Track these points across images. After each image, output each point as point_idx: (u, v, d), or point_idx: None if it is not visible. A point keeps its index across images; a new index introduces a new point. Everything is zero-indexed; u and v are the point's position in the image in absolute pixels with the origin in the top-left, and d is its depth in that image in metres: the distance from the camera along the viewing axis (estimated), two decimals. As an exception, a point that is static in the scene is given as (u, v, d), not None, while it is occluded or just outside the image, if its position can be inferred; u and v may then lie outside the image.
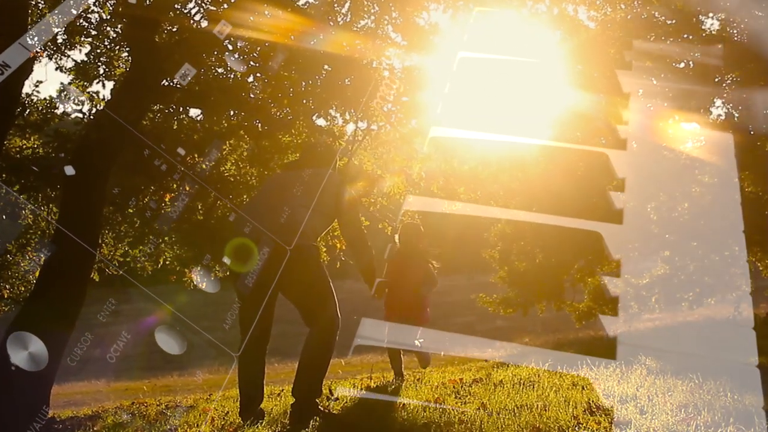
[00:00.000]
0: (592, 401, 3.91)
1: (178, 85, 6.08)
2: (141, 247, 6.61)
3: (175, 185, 6.26)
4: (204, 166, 6.33)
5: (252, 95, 6.19)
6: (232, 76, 6.18)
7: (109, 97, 6.35)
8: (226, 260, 4.10)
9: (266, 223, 4.06)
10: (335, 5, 6.29)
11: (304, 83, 6.20)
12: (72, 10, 6.15)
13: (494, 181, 11.72)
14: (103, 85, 6.55)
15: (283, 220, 4.04)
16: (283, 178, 4.38)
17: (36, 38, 6.11)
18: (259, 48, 6.12)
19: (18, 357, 3.62)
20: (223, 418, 4.53)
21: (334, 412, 4.10)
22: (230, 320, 4.28)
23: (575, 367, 5.18)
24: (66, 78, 6.48)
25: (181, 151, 6.08)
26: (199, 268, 6.81)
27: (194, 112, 6.73)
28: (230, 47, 6.05)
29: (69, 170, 5.43)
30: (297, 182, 4.16)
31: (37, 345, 3.71)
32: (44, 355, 3.71)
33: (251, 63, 6.19)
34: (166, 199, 6.38)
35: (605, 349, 6.58)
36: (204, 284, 4.43)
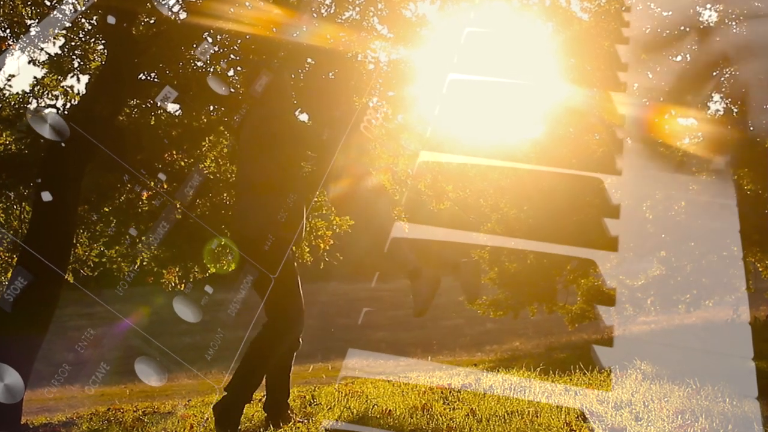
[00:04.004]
0: (586, 407, 3.81)
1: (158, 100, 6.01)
2: (117, 248, 6.45)
3: (153, 182, 6.13)
4: (183, 164, 6.19)
5: (233, 89, 6.04)
6: (211, 69, 6.03)
7: (84, 92, 6.20)
8: (209, 289, 4.07)
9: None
10: (319, -4, 6.15)
11: (286, 77, 6.06)
12: (46, 2, 6.01)
13: (483, 178, 11.62)
14: (78, 79, 6.38)
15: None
16: None
17: (8, 30, 5.96)
18: (239, 40, 5.99)
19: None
20: (203, 425, 4.38)
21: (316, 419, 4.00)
22: (212, 351, 4.14)
23: (568, 372, 5.13)
24: (39, 72, 6.33)
25: (162, 176, 6.00)
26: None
27: (173, 107, 6.57)
28: (209, 40, 5.90)
29: (46, 196, 5.34)
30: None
31: (12, 377, 3.63)
32: (20, 386, 3.65)
33: (231, 56, 6.07)
34: (144, 198, 6.25)
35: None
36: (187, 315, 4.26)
